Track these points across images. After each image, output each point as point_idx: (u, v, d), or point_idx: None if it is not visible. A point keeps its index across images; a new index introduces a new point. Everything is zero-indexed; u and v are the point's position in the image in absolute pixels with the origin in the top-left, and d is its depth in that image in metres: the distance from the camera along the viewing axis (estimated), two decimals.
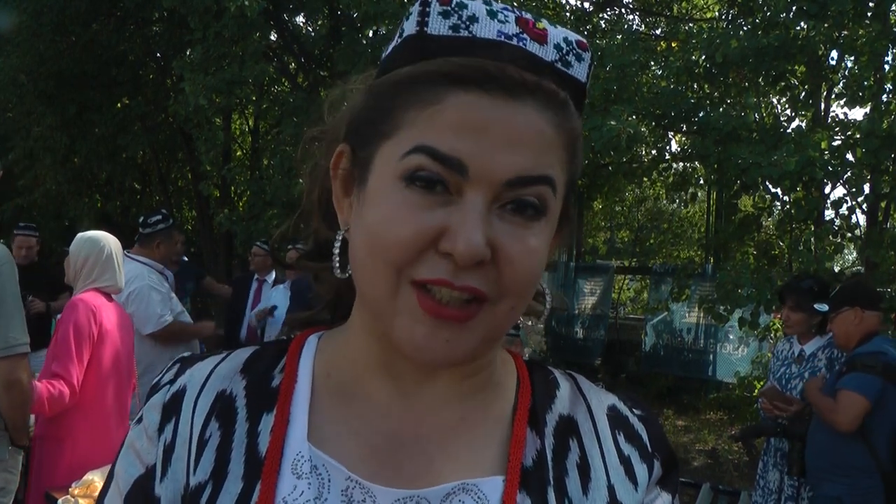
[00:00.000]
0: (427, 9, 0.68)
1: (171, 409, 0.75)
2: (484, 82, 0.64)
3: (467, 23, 0.67)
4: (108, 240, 3.52)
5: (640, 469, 0.76)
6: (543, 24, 0.69)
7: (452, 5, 0.67)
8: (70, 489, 2.83)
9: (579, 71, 0.69)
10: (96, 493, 2.75)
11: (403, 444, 0.72)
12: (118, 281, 3.51)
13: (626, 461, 0.76)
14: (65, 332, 3.20)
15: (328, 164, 0.75)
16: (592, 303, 10.79)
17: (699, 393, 10.01)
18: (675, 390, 10.10)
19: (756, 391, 8.86)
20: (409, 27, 0.69)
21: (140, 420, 0.77)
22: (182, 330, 4.64)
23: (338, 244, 0.75)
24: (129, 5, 10.51)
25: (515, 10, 0.69)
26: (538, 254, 0.66)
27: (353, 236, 0.70)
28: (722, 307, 6.49)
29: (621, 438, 0.77)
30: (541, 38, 0.68)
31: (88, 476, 2.85)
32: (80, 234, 3.53)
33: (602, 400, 0.80)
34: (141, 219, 4.88)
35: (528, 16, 0.69)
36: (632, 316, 12.87)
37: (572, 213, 0.76)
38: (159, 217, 4.88)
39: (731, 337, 9.34)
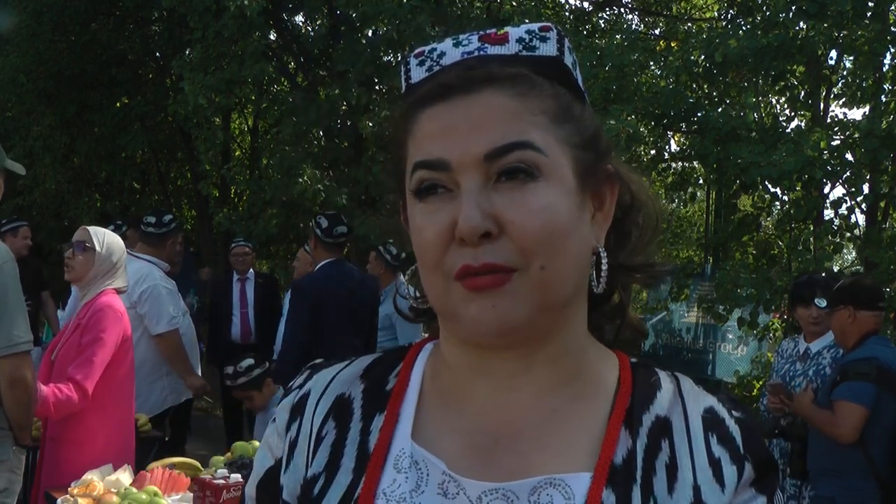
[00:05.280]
0: (408, 66, 0.81)
1: (297, 410, 0.85)
2: (442, 93, 0.75)
3: (438, 59, 0.79)
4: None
5: (730, 471, 0.76)
6: (506, 29, 0.80)
7: (426, 53, 0.80)
8: (70, 489, 2.83)
9: (546, 49, 0.79)
10: (96, 493, 2.75)
11: (500, 441, 0.77)
12: (127, 280, 3.52)
13: (715, 463, 0.77)
14: (93, 339, 3.18)
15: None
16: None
17: None
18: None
19: (756, 391, 8.87)
20: (403, 88, 0.82)
21: (274, 420, 0.88)
22: (179, 349, 4.60)
23: (408, 274, 0.85)
24: (129, 5, 10.51)
25: (482, 31, 0.81)
26: (546, 211, 0.72)
27: None
28: (721, 307, 6.49)
29: (714, 440, 0.78)
30: (501, 40, 0.79)
31: (88, 476, 2.85)
32: (99, 230, 3.44)
33: (700, 402, 0.81)
34: (153, 219, 4.85)
35: (493, 30, 0.80)
36: None
37: (604, 170, 0.80)
38: (171, 217, 4.92)
39: (731, 336, 9.33)
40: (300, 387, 0.87)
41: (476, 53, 0.78)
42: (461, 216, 0.70)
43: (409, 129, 0.77)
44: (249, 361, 4.42)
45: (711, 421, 0.79)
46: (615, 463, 0.74)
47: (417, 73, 0.80)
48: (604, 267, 0.79)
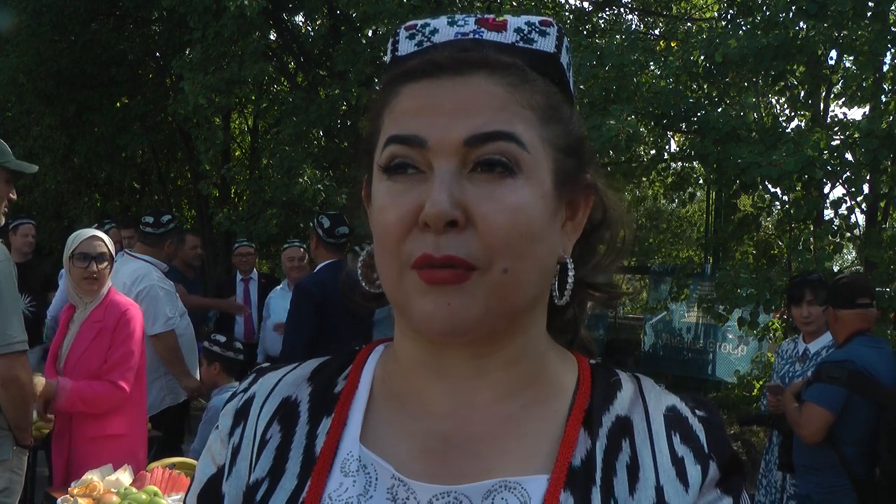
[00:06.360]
0: (397, 38, 0.77)
1: (241, 415, 0.81)
2: (431, 70, 0.71)
3: (429, 36, 0.75)
4: None
5: (694, 470, 0.74)
6: (505, 17, 0.76)
7: (417, 27, 0.76)
8: (70, 489, 2.83)
9: (544, 44, 0.75)
10: (95, 493, 2.75)
11: (454, 445, 0.74)
12: None
13: (678, 462, 0.74)
14: (125, 337, 3.32)
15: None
16: (591, 302, 10.76)
17: (699, 392, 10.00)
18: (675, 390, 9.99)
19: (756, 391, 8.87)
20: (387, 59, 0.78)
21: (217, 426, 0.84)
22: (175, 349, 4.59)
23: (362, 255, 0.80)
24: (129, 5, 10.51)
25: (479, 14, 0.77)
26: (519, 211, 0.68)
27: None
28: (721, 307, 6.49)
29: (676, 439, 0.75)
30: (500, 27, 0.75)
31: (88, 476, 2.85)
32: (104, 236, 3.46)
33: (662, 401, 0.79)
34: (150, 219, 4.83)
35: (492, 15, 0.76)
36: (631, 315, 12.86)
37: (583, 179, 0.78)
38: (170, 217, 4.91)
39: (731, 336, 9.33)
40: (245, 391, 0.83)
41: (471, 36, 0.74)
42: (429, 200, 0.66)
43: (388, 102, 0.73)
44: (223, 339, 4.48)
45: (674, 419, 0.77)
46: (573, 465, 0.71)
47: (406, 47, 0.76)
48: (570, 279, 0.76)
